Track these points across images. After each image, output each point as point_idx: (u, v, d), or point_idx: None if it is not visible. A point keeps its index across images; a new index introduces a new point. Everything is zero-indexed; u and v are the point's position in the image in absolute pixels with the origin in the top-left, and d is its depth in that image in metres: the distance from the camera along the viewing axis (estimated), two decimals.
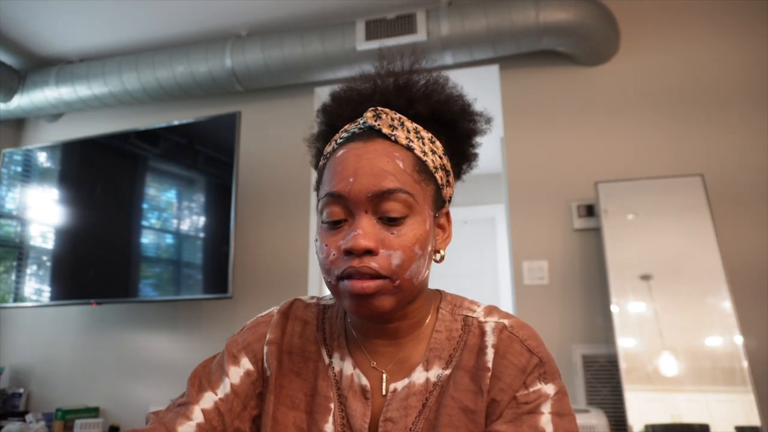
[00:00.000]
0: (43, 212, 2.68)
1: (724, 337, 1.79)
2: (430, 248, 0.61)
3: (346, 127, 0.65)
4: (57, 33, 2.61)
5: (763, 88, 2.12)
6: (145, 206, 2.51)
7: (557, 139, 2.28)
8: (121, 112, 2.92)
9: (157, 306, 2.58)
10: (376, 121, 0.62)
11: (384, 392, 0.64)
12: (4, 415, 2.48)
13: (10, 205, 2.74)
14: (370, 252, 0.57)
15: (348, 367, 0.66)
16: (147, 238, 2.49)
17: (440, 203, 0.65)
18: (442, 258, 0.65)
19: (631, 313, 1.90)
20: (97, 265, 2.48)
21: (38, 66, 2.83)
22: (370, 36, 2.30)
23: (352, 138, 0.63)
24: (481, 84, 2.52)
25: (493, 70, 2.44)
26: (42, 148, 2.79)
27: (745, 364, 1.73)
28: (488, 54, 2.28)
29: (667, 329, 1.83)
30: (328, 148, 0.66)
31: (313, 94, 2.66)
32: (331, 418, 0.63)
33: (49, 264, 2.63)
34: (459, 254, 3.93)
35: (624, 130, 2.23)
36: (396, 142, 0.61)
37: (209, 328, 2.49)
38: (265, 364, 0.68)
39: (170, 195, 2.52)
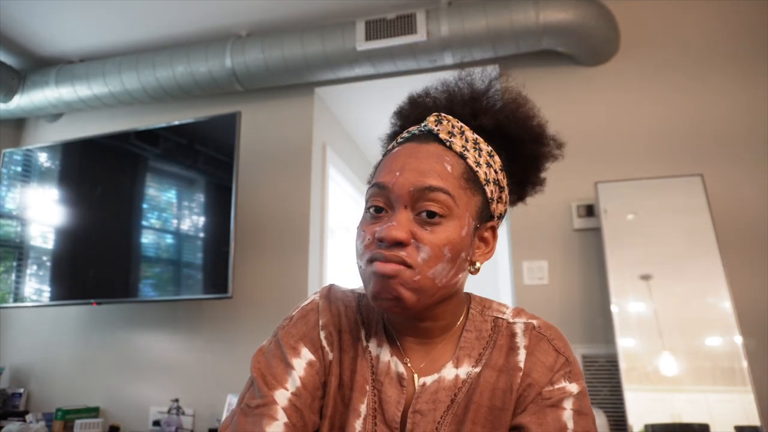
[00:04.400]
0: (43, 212, 2.68)
1: (724, 337, 1.79)
2: (463, 255, 0.62)
3: (409, 128, 0.69)
4: (57, 33, 2.61)
5: (763, 82, 2.12)
6: (145, 206, 2.51)
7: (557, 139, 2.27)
8: (121, 112, 2.92)
9: (157, 306, 2.58)
10: (436, 125, 0.65)
11: (414, 386, 0.65)
12: (4, 415, 2.48)
13: (10, 205, 2.74)
14: (401, 244, 0.59)
15: (385, 354, 0.68)
16: (147, 238, 2.48)
17: (487, 216, 0.65)
18: (478, 270, 0.65)
19: (631, 313, 1.89)
20: (97, 265, 2.48)
21: (38, 66, 2.83)
22: (370, 36, 2.30)
23: (411, 138, 0.66)
24: None
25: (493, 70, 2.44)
26: (42, 148, 2.79)
27: (745, 364, 1.73)
28: (488, 54, 2.28)
29: (667, 329, 1.83)
30: (390, 146, 0.70)
31: (313, 94, 2.66)
32: (366, 400, 0.65)
33: (49, 264, 2.62)
34: None
35: (624, 130, 2.23)
36: (450, 148, 0.63)
37: (209, 328, 2.49)
38: (327, 349, 0.69)
39: (170, 195, 2.51)
